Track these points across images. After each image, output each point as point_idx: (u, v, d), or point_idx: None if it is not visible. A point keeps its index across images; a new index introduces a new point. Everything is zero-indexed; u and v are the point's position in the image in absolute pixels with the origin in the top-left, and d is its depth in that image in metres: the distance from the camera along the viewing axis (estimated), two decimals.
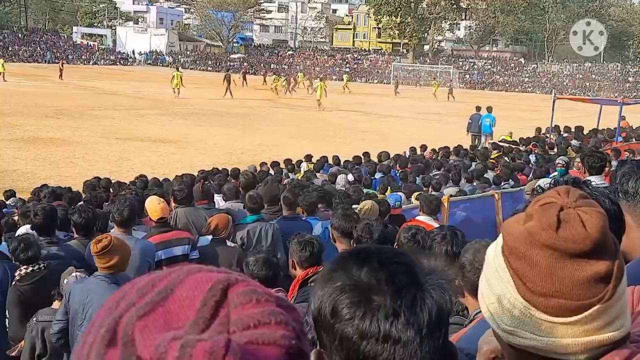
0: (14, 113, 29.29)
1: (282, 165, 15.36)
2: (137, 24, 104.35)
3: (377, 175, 13.23)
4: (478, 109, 25.23)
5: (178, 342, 0.67)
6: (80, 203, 7.99)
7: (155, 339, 0.69)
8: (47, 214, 6.06)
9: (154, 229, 6.60)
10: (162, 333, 0.70)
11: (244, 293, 0.74)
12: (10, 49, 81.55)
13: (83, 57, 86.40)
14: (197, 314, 0.72)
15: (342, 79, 67.11)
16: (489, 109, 24.78)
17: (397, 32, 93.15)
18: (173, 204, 7.61)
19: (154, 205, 6.55)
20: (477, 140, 24.40)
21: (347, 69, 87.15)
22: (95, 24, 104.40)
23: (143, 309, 0.73)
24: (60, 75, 52.48)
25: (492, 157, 16.42)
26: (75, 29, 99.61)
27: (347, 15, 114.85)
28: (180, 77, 43.56)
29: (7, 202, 11.01)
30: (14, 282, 5.17)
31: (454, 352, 1.31)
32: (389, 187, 10.68)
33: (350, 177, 12.44)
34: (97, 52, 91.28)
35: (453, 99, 53.70)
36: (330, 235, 5.70)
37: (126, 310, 0.73)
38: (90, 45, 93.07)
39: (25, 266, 5.13)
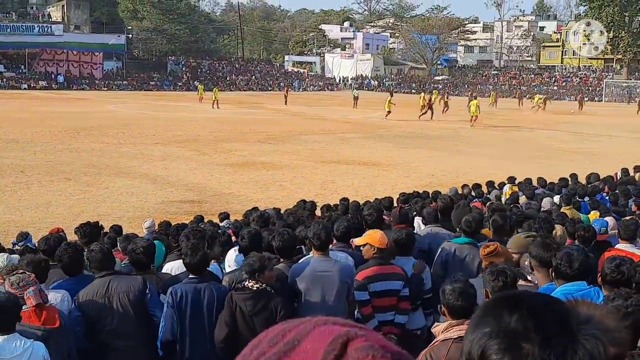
0: (230, 139, 31.43)
1: (484, 188, 15.09)
2: (345, 50, 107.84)
3: (586, 198, 12.57)
4: None
5: None
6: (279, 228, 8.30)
7: None
8: (252, 237, 6.49)
9: (372, 260, 6.43)
10: None
11: (362, 349, 0.79)
12: (228, 78, 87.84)
13: (293, 84, 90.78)
14: None
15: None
16: None
17: (609, 47, 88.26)
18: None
19: (371, 236, 6.58)
20: None
21: (530, 87, 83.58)
22: (305, 52, 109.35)
23: (270, 359, 0.80)
24: (286, 102, 56.36)
25: None
26: (287, 57, 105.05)
27: (555, 33, 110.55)
28: (389, 101, 44.08)
29: (221, 224, 11.74)
30: (231, 289, 5.54)
31: None
32: (598, 211, 10.14)
33: (557, 200, 11.98)
34: (307, 79, 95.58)
35: None
36: (528, 263, 5.52)
37: (257, 359, 0.81)
38: (300, 73, 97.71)
39: (249, 280, 5.43)
